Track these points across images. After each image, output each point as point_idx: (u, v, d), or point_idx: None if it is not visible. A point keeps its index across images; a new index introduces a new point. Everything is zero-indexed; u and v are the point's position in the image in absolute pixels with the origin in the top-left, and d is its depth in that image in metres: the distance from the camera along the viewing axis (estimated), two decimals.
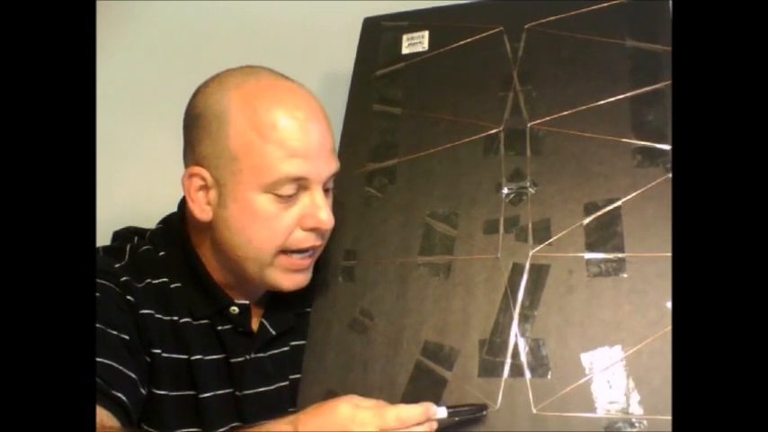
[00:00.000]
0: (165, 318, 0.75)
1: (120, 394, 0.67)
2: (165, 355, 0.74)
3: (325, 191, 0.76)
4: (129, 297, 0.73)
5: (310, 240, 0.75)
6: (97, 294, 0.71)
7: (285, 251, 0.75)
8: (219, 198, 0.74)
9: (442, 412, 0.66)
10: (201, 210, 0.75)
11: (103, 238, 0.83)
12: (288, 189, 0.73)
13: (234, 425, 0.75)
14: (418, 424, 0.64)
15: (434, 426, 0.66)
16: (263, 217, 0.73)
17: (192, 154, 0.76)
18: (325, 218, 0.74)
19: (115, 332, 0.70)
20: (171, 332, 0.75)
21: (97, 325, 0.68)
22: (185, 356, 0.75)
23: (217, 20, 1.12)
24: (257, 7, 1.13)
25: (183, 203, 0.82)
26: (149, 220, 0.85)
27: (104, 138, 0.82)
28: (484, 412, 0.68)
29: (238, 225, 0.74)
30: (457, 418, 0.67)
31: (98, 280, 0.72)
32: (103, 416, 0.64)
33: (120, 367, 0.69)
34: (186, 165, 0.77)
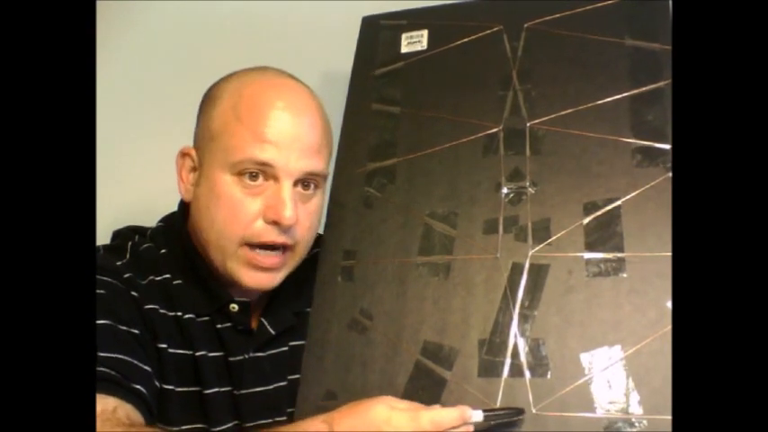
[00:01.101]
0: (170, 313, 0.76)
1: (139, 387, 0.67)
2: (171, 350, 0.74)
3: (304, 187, 0.75)
4: (133, 293, 0.73)
5: (271, 235, 0.73)
6: (102, 291, 0.71)
7: (249, 243, 0.74)
8: (197, 178, 0.77)
9: (477, 416, 0.64)
10: (186, 189, 0.78)
11: (103, 237, 0.83)
12: (251, 172, 0.72)
13: (264, 422, 0.75)
14: (454, 428, 0.63)
15: (471, 429, 0.64)
16: (226, 199, 0.73)
17: (193, 135, 0.79)
18: (288, 214, 0.72)
19: (125, 327, 0.70)
20: (176, 328, 0.75)
21: (106, 321, 0.68)
22: (190, 352, 0.75)
23: (216, 20, 1.12)
24: (256, 7, 1.12)
25: (183, 202, 0.82)
26: (149, 220, 0.85)
27: (104, 138, 0.82)
28: (522, 416, 0.66)
29: (204, 204, 0.75)
30: (493, 422, 0.65)
31: (101, 277, 0.72)
32: (128, 409, 0.64)
33: (135, 361, 0.69)
34: None
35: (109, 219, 0.85)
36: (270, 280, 0.76)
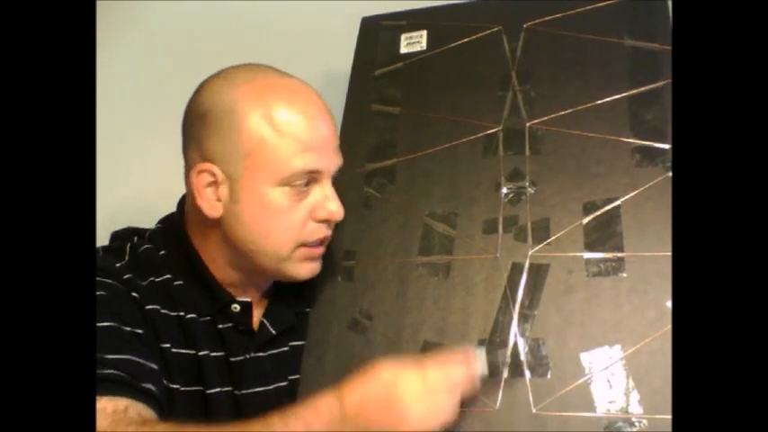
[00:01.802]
0: (172, 313, 0.76)
1: (149, 386, 0.67)
2: (174, 350, 0.74)
3: (333, 183, 0.79)
4: (134, 294, 0.73)
5: (322, 231, 0.77)
6: (103, 293, 0.70)
7: (303, 244, 0.76)
8: (231, 193, 0.75)
9: (481, 365, 0.67)
10: (211, 206, 0.76)
11: (103, 237, 0.83)
12: (302, 182, 0.74)
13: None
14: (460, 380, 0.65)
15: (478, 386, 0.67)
16: (278, 210, 0.75)
17: (197, 150, 0.76)
18: (336, 209, 0.76)
19: (128, 328, 0.70)
20: (178, 327, 0.75)
21: (110, 323, 0.68)
22: (193, 352, 0.76)
23: (216, 20, 1.12)
24: (256, 7, 1.12)
25: (181, 203, 0.82)
26: (149, 220, 0.85)
27: (104, 138, 0.82)
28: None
29: (252, 219, 0.75)
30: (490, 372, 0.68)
31: (101, 279, 0.72)
32: (139, 408, 0.64)
33: (142, 360, 0.69)
34: (190, 162, 0.77)
35: (108, 219, 0.85)
36: (318, 266, 0.80)
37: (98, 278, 0.72)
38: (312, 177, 0.75)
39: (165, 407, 0.69)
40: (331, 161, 0.77)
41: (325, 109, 0.78)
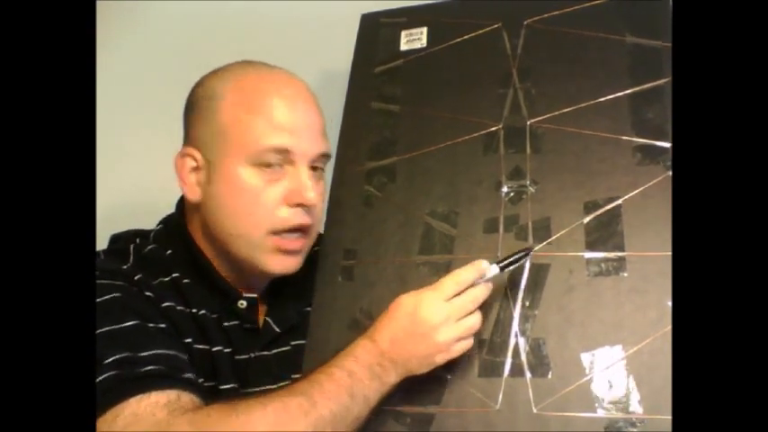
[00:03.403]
0: (187, 310, 0.76)
1: (189, 375, 0.67)
2: (195, 345, 0.74)
3: (313, 169, 0.78)
4: (147, 293, 0.73)
5: (298, 217, 0.75)
6: (118, 294, 0.70)
7: (276, 232, 0.75)
8: (208, 176, 0.76)
9: (494, 269, 0.69)
10: (192, 191, 0.77)
11: (103, 237, 0.83)
12: (272, 160, 0.74)
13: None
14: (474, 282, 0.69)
15: (490, 285, 0.70)
16: (249, 191, 0.74)
17: (186, 137, 0.79)
18: (310, 194, 0.75)
19: (152, 324, 0.70)
20: (193, 323, 0.76)
21: (134, 322, 0.68)
22: (208, 347, 0.76)
23: (215, 19, 1.11)
24: (255, 5, 1.12)
25: (180, 203, 0.82)
26: (149, 219, 0.85)
27: (104, 137, 0.82)
28: (531, 252, 0.72)
29: (223, 200, 0.75)
30: (508, 269, 0.71)
31: (112, 281, 0.71)
32: (190, 395, 0.64)
33: (174, 352, 0.69)
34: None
35: (108, 219, 0.85)
36: (295, 263, 0.78)
37: (108, 281, 0.71)
38: (285, 158, 0.75)
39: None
40: (307, 144, 0.76)
41: (306, 96, 0.78)
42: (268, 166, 0.74)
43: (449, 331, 0.67)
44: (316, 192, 0.76)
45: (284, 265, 0.77)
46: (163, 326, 0.71)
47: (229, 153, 0.75)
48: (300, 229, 0.77)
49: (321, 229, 0.83)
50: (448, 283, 0.68)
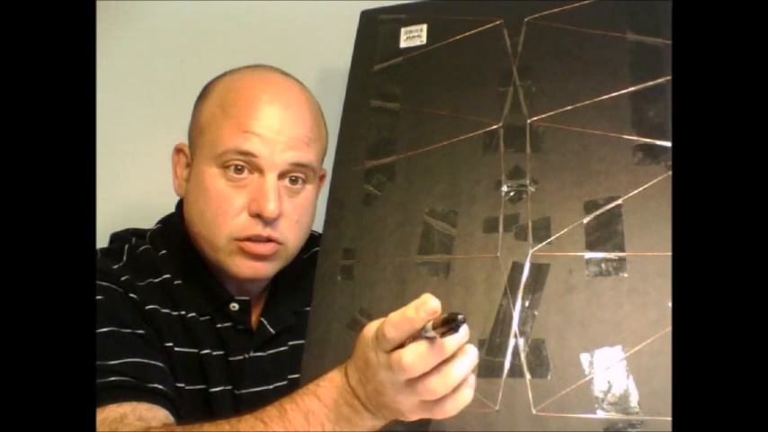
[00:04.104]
0: (173, 313, 0.75)
1: (156, 384, 0.67)
2: (177, 348, 0.74)
3: (292, 181, 0.75)
4: (132, 295, 0.73)
5: (256, 228, 0.73)
6: (100, 297, 0.70)
7: (237, 238, 0.74)
8: (189, 173, 0.77)
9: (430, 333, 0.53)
10: (179, 185, 0.78)
11: (103, 237, 0.83)
12: (236, 163, 0.72)
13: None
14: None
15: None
16: (213, 192, 0.73)
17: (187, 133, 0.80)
18: (270, 206, 0.72)
19: (129, 330, 0.70)
20: (180, 326, 0.76)
21: (109, 328, 0.68)
22: (195, 350, 0.76)
23: (215, 18, 1.11)
24: (255, 4, 1.11)
25: (180, 203, 0.82)
26: (149, 220, 0.85)
27: (104, 138, 0.82)
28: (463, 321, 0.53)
29: (193, 198, 0.75)
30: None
31: (99, 282, 0.72)
32: (143, 410, 0.63)
33: (146, 360, 0.69)
34: None
35: (108, 219, 0.85)
36: (264, 269, 0.76)
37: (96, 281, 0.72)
38: (249, 162, 0.73)
39: (178, 402, 0.69)
40: (277, 151, 0.73)
41: (293, 103, 0.76)
42: (235, 169, 0.72)
43: (402, 396, 0.52)
44: (279, 203, 0.72)
45: (253, 268, 0.75)
46: (140, 332, 0.71)
47: (202, 152, 0.75)
48: (263, 239, 0.74)
49: (320, 229, 0.83)
50: (387, 326, 0.53)
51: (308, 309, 0.80)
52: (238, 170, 0.73)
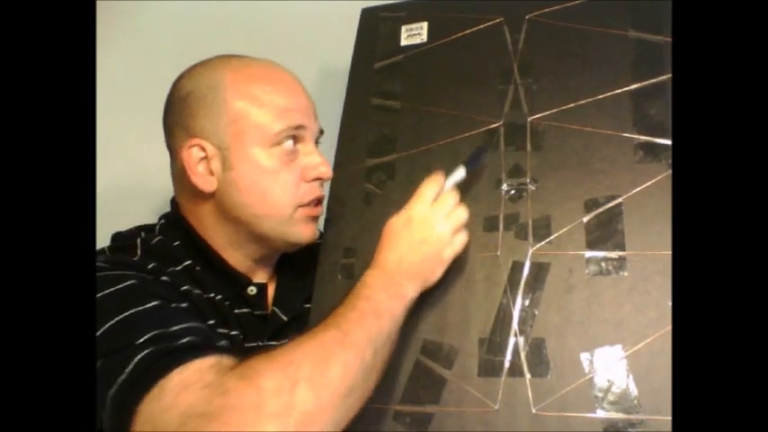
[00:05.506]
0: (204, 295, 0.76)
1: (223, 343, 0.68)
2: (217, 329, 0.75)
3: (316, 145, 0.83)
4: (164, 278, 0.73)
5: (316, 191, 0.80)
6: (134, 282, 0.68)
7: (302, 205, 0.79)
8: (224, 162, 0.77)
9: (461, 173, 0.76)
10: (205, 181, 0.77)
11: (103, 236, 0.83)
12: (288, 140, 0.78)
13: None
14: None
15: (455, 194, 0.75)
16: (271, 171, 0.77)
17: (183, 131, 0.78)
18: (325, 168, 0.80)
19: (173, 304, 0.69)
20: (212, 307, 0.76)
21: (155, 302, 0.66)
22: (227, 331, 0.76)
23: (215, 17, 1.11)
24: (255, 3, 1.11)
25: (174, 201, 0.82)
26: (148, 219, 0.85)
27: (104, 137, 0.82)
28: (488, 149, 0.79)
29: (249, 183, 0.77)
30: (471, 168, 0.77)
31: (124, 272, 0.70)
32: (225, 360, 0.61)
33: (203, 325, 0.68)
34: (177, 144, 0.79)
35: (108, 218, 0.85)
36: (316, 230, 0.83)
37: (120, 272, 0.70)
38: (296, 136, 0.78)
39: None
40: (312, 122, 0.81)
41: (300, 84, 0.82)
42: (287, 145, 0.78)
43: (444, 225, 0.71)
44: (326, 162, 0.81)
45: (312, 230, 0.81)
46: (184, 305, 0.71)
47: (245, 139, 0.76)
48: (318, 200, 0.82)
49: (320, 228, 0.83)
50: (426, 190, 0.73)
51: (308, 306, 0.81)
52: (288, 145, 0.78)
